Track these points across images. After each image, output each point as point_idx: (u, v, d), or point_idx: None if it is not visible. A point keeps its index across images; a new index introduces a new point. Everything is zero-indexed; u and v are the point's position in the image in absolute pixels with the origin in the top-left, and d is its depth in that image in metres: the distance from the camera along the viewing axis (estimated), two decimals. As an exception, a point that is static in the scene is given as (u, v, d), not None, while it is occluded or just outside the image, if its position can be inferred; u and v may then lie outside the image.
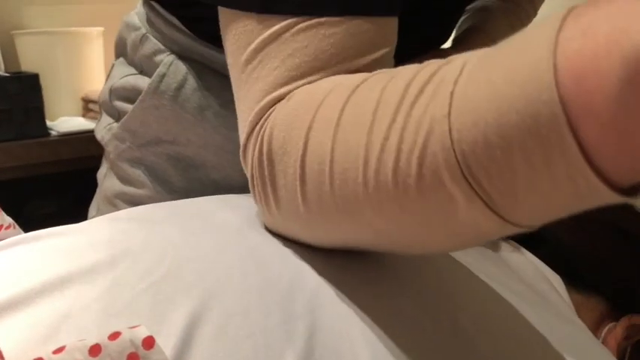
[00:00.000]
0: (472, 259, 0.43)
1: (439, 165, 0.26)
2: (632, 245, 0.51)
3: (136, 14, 0.64)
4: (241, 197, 0.45)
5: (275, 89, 0.36)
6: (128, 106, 0.63)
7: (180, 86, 0.59)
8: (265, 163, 0.36)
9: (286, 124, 0.34)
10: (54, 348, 0.29)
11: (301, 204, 0.34)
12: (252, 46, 0.37)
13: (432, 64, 0.29)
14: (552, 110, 0.22)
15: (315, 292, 0.35)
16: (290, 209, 0.35)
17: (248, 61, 0.37)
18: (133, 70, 0.64)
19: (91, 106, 1.34)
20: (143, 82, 0.61)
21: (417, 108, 0.27)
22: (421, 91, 0.27)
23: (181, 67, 0.59)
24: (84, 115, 1.35)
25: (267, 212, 0.38)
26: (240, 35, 0.38)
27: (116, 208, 0.65)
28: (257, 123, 0.37)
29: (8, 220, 0.45)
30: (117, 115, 0.66)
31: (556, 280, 0.45)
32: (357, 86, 0.32)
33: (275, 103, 0.36)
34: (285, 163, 0.34)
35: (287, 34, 0.36)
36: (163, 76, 0.59)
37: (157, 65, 0.60)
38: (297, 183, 0.33)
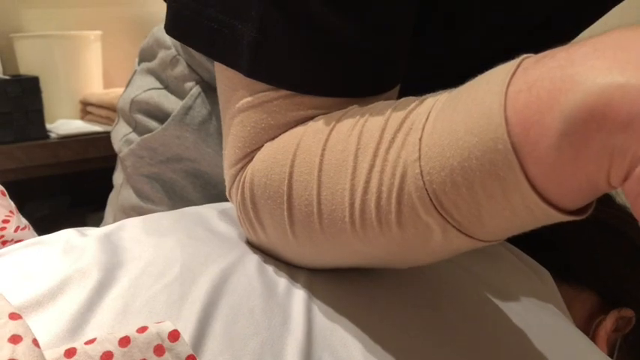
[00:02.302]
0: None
1: (414, 202, 0.30)
2: (619, 241, 0.53)
3: None
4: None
5: (253, 146, 0.38)
6: (148, 121, 0.64)
7: (205, 121, 0.60)
8: (250, 206, 0.39)
9: (265, 170, 0.37)
10: (84, 340, 0.31)
11: (291, 237, 0.37)
12: (237, 105, 0.38)
13: (402, 105, 0.32)
14: (506, 157, 0.26)
15: (307, 292, 0.38)
16: (278, 241, 0.39)
17: (232, 117, 0.39)
18: (158, 84, 0.65)
19: (89, 108, 1.35)
20: (167, 101, 0.62)
21: (392, 153, 0.31)
22: (394, 138, 0.31)
23: (208, 101, 0.60)
24: (82, 118, 1.37)
25: (253, 237, 0.41)
26: (227, 88, 0.39)
27: None
28: (237, 174, 0.39)
29: (24, 221, 0.47)
30: (135, 125, 0.67)
31: (544, 274, 0.47)
32: (332, 130, 0.34)
33: (253, 153, 0.38)
34: (270, 206, 0.37)
35: (269, 105, 0.37)
36: (189, 108, 0.60)
37: (184, 91, 0.61)
38: (287, 222, 0.36)
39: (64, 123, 1.29)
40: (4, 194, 0.46)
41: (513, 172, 0.26)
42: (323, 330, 0.36)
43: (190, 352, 0.31)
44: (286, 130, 0.37)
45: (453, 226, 0.30)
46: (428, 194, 0.29)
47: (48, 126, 1.23)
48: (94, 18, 1.50)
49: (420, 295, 0.40)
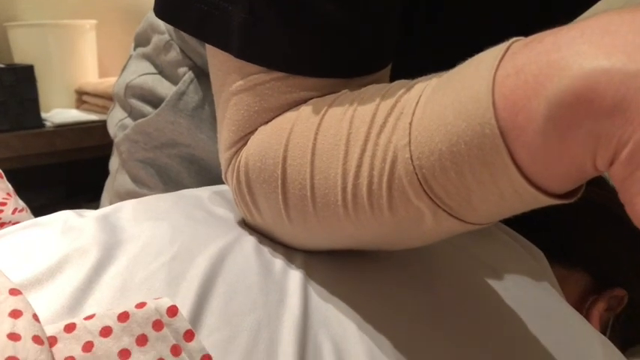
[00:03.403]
0: None
1: (405, 186, 0.30)
2: (611, 222, 0.54)
3: None
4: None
5: (247, 129, 0.38)
6: (143, 105, 0.64)
7: (198, 107, 0.61)
8: (245, 190, 0.39)
9: (259, 154, 0.37)
10: (83, 316, 0.31)
11: (286, 220, 0.37)
12: (230, 88, 0.38)
13: (393, 89, 0.32)
14: (494, 141, 0.26)
15: (303, 272, 0.38)
16: (274, 222, 0.39)
17: (226, 100, 0.39)
18: (152, 69, 0.65)
19: (84, 97, 1.35)
20: (162, 86, 0.62)
21: (383, 137, 0.31)
22: (385, 123, 0.31)
23: (201, 87, 0.60)
24: (77, 107, 1.36)
25: (250, 219, 0.41)
26: (219, 72, 0.39)
27: None
28: (232, 157, 0.40)
29: (21, 203, 0.48)
30: (130, 110, 0.67)
31: (538, 254, 0.48)
32: (324, 114, 0.35)
33: (248, 136, 0.38)
34: (265, 190, 0.37)
35: (262, 88, 0.37)
36: (182, 94, 0.60)
37: (178, 76, 0.61)
38: (281, 206, 0.37)
39: (59, 112, 1.29)
40: (1, 176, 0.46)
41: (501, 156, 0.26)
42: (318, 307, 0.36)
43: (188, 326, 0.32)
44: (280, 113, 0.37)
45: (444, 210, 0.30)
46: (418, 179, 0.30)
47: (43, 115, 1.23)
48: (88, 7, 1.50)
49: (414, 275, 0.41)
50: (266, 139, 0.37)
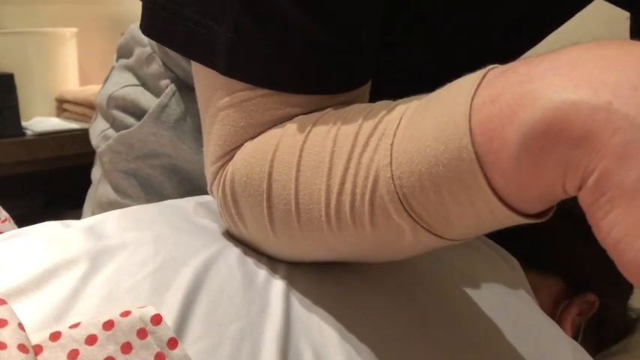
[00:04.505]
0: None
1: (386, 204, 0.32)
2: (583, 230, 0.55)
3: None
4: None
5: (233, 144, 0.39)
6: (125, 117, 0.65)
7: (180, 119, 0.62)
8: (231, 203, 0.40)
9: (245, 168, 0.38)
10: (69, 325, 0.32)
11: (270, 233, 0.39)
12: (216, 104, 0.39)
13: (375, 111, 0.34)
14: (471, 165, 0.27)
15: (286, 282, 0.39)
16: (259, 234, 0.40)
17: (213, 115, 0.40)
18: (134, 80, 0.66)
19: (65, 106, 1.34)
20: (144, 97, 0.63)
21: (365, 156, 0.32)
22: (367, 142, 0.33)
23: (183, 100, 0.61)
24: (58, 115, 1.36)
25: (234, 230, 0.42)
26: (205, 89, 0.40)
27: None
28: (218, 171, 0.41)
29: (5, 214, 0.48)
30: (112, 121, 0.67)
31: (513, 262, 0.50)
32: (309, 132, 0.36)
33: (234, 151, 0.40)
34: (251, 203, 0.38)
35: (248, 104, 0.38)
36: (165, 106, 0.61)
37: (160, 88, 0.62)
38: (266, 219, 0.38)
39: (40, 120, 1.29)
40: (-15, 187, 0.46)
41: (477, 179, 0.27)
42: (300, 317, 0.37)
43: (172, 335, 0.32)
44: (265, 129, 0.38)
45: (423, 227, 0.31)
46: (399, 197, 0.31)
47: (24, 123, 1.22)
48: (69, 15, 1.50)
49: (395, 284, 0.42)
50: (252, 154, 0.38)
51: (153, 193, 0.66)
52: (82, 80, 1.47)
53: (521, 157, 0.25)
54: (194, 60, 0.40)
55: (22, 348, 0.29)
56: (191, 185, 0.66)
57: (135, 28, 0.67)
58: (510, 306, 0.45)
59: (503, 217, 0.28)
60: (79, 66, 1.44)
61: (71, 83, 1.41)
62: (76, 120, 1.30)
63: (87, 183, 0.78)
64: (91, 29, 1.52)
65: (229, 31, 0.36)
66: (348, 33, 0.38)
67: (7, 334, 0.30)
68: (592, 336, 0.56)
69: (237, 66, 0.37)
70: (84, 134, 1.25)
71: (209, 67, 0.38)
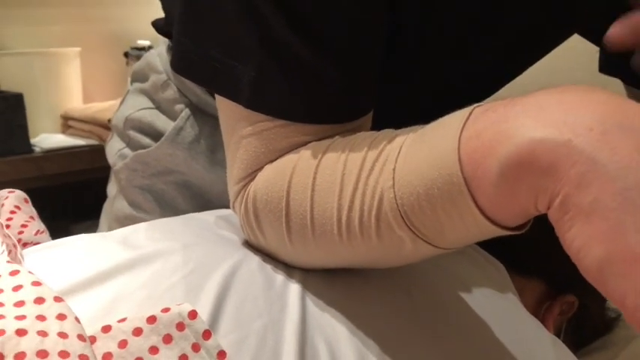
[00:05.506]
0: None
1: (390, 220, 0.37)
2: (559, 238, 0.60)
3: (158, 56, 0.70)
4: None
5: (255, 167, 0.45)
6: (141, 137, 0.69)
7: (195, 140, 0.66)
8: (252, 218, 0.45)
9: (266, 188, 0.43)
10: (116, 320, 0.37)
11: (288, 243, 0.44)
12: (240, 132, 0.44)
13: (378, 140, 0.39)
14: (460, 188, 0.32)
15: (301, 285, 0.44)
16: (277, 245, 0.45)
17: (237, 142, 0.45)
18: (150, 104, 0.70)
19: (70, 122, 1.39)
20: (159, 120, 0.68)
21: (371, 179, 0.38)
22: (373, 167, 0.38)
23: (197, 123, 0.66)
24: (63, 132, 1.40)
25: (254, 240, 0.48)
26: (229, 119, 0.45)
27: None
28: (241, 190, 0.46)
29: (43, 226, 0.53)
30: (128, 141, 0.72)
31: (500, 267, 0.55)
32: (322, 157, 0.41)
33: (255, 172, 0.45)
34: (271, 218, 0.44)
35: (268, 133, 0.43)
36: (180, 129, 0.66)
37: (175, 112, 0.67)
38: (285, 232, 0.43)
39: (46, 137, 1.33)
40: (27, 201, 0.51)
41: (465, 200, 0.32)
42: (314, 315, 0.42)
43: (206, 327, 0.37)
44: (283, 154, 0.44)
45: (421, 239, 0.36)
46: (400, 214, 0.36)
47: (31, 140, 1.26)
48: (73, 35, 1.54)
49: (396, 286, 0.47)
50: (272, 176, 0.43)
51: (166, 207, 0.71)
52: (86, 97, 1.52)
53: (500, 183, 0.30)
54: (220, 94, 0.45)
55: (81, 337, 0.34)
56: (202, 199, 0.71)
57: (149, 55, 0.72)
58: (498, 306, 0.50)
59: (488, 230, 0.33)
60: (82, 84, 1.49)
61: (75, 101, 1.46)
62: (81, 136, 1.35)
63: (91, 197, 0.81)
64: (93, 49, 1.57)
65: (252, 70, 0.42)
66: (352, 72, 0.43)
67: (68, 326, 0.34)
68: (573, 334, 0.61)
69: (258, 101, 0.43)
70: (90, 150, 1.30)
71: (234, 101, 0.44)
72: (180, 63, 0.46)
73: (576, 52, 0.63)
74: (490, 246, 0.55)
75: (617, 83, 0.60)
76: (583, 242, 0.27)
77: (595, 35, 0.58)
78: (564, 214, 0.28)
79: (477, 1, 0.48)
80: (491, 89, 0.59)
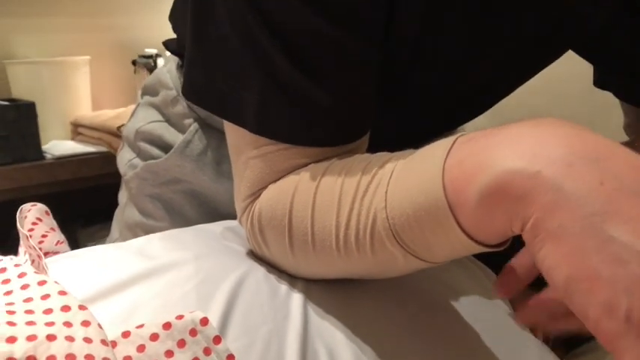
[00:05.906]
0: None
1: (383, 238, 0.40)
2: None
3: (168, 73, 0.74)
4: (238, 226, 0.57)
5: (260, 186, 0.48)
6: (151, 148, 0.72)
7: (202, 153, 0.70)
8: (257, 232, 0.49)
9: (270, 206, 0.47)
10: (134, 326, 0.40)
11: (290, 256, 0.47)
12: (247, 154, 0.48)
13: (373, 163, 0.42)
14: (445, 211, 0.35)
15: (303, 295, 0.47)
16: (280, 257, 0.49)
17: (244, 163, 0.49)
18: (159, 117, 0.74)
19: (80, 129, 1.42)
20: (168, 133, 0.71)
21: (366, 200, 0.41)
22: (367, 189, 0.41)
23: (204, 137, 0.70)
24: (73, 139, 1.44)
25: (259, 252, 0.51)
26: (236, 141, 0.49)
27: (136, 235, 0.73)
28: (247, 206, 0.50)
29: (62, 237, 0.56)
30: (138, 152, 0.75)
31: (490, 274, 0.57)
32: (321, 179, 0.44)
33: (260, 191, 0.49)
34: (274, 234, 0.47)
35: (272, 155, 0.47)
36: (189, 142, 0.70)
37: (184, 126, 0.71)
38: (287, 246, 0.46)
39: (56, 144, 1.36)
40: (48, 214, 0.55)
41: (449, 221, 0.35)
42: (315, 322, 0.45)
43: (217, 333, 0.40)
44: (285, 175, 0.47)
45: (411, 254, 0.39)
46: (392, 233, 0.39)
47: (42, 147, 1.29)
48: (82, 44, 1.57)
49: (391, 295, 0.50)
50: (275, 195, 0.47)
51: (175, 215, 0.74)
52: (94, 105, 1.55)
53: (479, 208, 0.33)
54: (227, 120, 0.49)
55: (104, 342, 0.38)
56: (208, 207, 0.74)
57: (160, 73, 0.75)
58: (486, 313, 0.53)
59: (471, 247, 0.36)
60: (91, 91, 1.52)
61: (84, 108, 1.49)
62: (91, 143, 1.38)
63: (99, 202, 0.83)
64: (102, 57, 1.60)
65: (255, 98, 0.45)
66: (348, 100, 0.47)
67: (92, 332, 0.38)
68: (561, 343, 0.63)
69: (262, 126, 0.46)
70: (99, 157, 1.33)
71: (240, 126, 0.47)
72: (191, 92, 0.50)
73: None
74: (482, 254, 0.58)
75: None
76: (552, 261, 0.30)
77: (589, 53, 0.62)
78: (535, 236, 0.31)
79: (479, 24, 0.51)
80: (481, 111, 0.63)
